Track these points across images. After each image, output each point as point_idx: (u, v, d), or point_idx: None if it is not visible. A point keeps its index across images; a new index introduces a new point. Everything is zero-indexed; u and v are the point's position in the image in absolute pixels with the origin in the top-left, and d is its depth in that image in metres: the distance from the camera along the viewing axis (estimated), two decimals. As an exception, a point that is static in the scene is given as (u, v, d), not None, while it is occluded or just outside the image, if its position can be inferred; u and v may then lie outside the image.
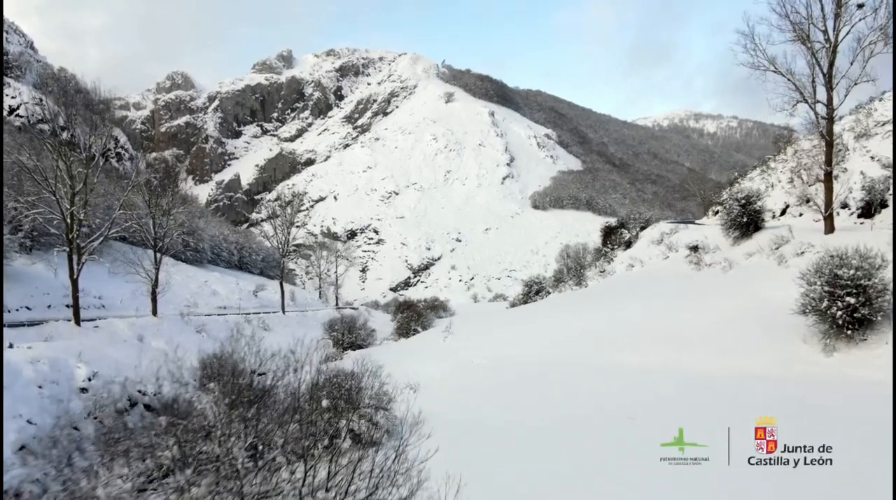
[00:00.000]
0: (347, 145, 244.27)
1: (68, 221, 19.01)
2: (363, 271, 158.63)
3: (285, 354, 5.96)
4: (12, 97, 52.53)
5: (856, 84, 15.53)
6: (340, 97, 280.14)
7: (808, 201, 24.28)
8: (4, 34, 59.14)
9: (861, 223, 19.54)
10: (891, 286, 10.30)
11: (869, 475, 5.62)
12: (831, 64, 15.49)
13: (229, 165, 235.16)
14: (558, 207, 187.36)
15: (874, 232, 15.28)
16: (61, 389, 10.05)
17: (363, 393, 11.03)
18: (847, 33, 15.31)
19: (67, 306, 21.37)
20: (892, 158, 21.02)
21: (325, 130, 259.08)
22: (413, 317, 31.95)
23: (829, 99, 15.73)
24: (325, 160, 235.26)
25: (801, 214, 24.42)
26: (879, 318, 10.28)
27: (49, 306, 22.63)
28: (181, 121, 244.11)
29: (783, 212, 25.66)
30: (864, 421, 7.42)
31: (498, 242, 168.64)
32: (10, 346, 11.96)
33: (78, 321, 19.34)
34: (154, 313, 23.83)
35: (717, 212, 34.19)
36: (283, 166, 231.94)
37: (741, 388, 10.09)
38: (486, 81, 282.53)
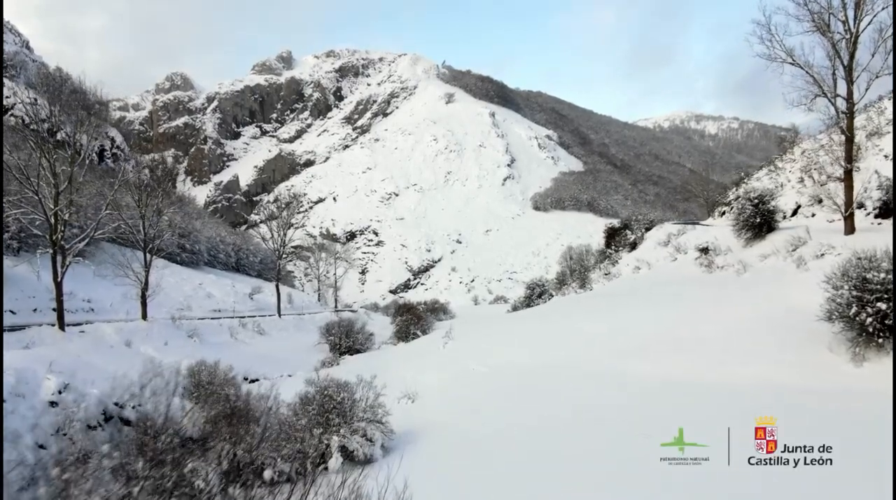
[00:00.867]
0: (347, 146, 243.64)
1: (52, 221, 18.22)
2: (363, 272, 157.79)
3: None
4: (7, 97, 51.79)
5: (877, 77, 14.74)
6: (340, 98, 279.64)
7: (820, 201, 23.54)
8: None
9: (879, 224, 18.71)
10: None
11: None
12: (852, 56, 14.70)
13: (228, 166, 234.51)
14: (559, 208, 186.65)
15: (898, 233, 14.48)
16: (27, 404, 9.23)
17: (357, 406, 10.27)
18: (869, 23, 14.54)
19: (54, 309, 20.55)
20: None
21: (324, 130, 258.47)
22: (412, 320, 31.14)
23: (850, 93, 14.95)
24: (325, 161, 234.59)
25: (813, 215, 23.63)
26: (915, 325, 9.47)
27: (35, 310, 21.81)
28: (180, 122, 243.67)
29: (794, 212, 24.86)
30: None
31: (498, 243, 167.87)
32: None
33: (62, 326, 18.56)
34: (144, 316, 23.03)
35: (723, 213, 33.39)
36: (282, 167, 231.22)
37: (765, 400, 9.24)
38: (486, 82, 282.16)
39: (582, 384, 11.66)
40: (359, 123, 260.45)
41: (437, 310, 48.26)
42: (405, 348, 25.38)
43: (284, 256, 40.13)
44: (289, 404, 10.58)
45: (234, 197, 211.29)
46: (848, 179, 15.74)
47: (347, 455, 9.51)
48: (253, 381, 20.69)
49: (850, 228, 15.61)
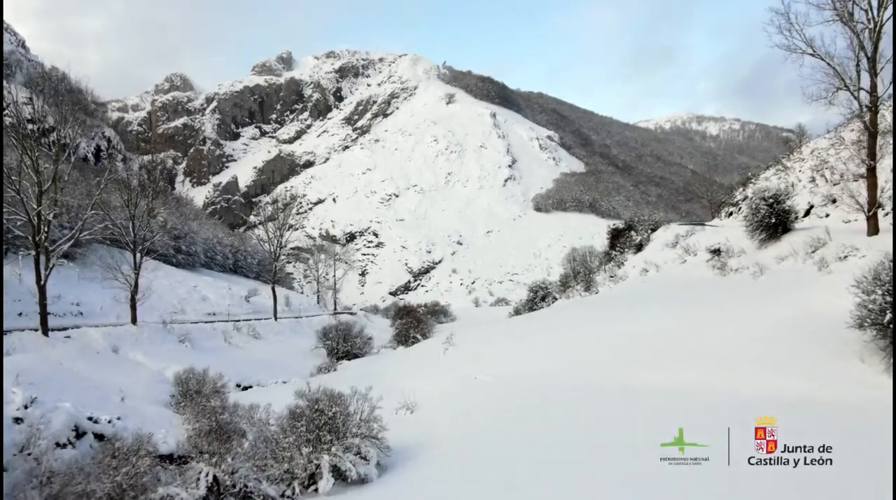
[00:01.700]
0: (347, 147, 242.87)
1: (35, 221, 17.42)
2: (362, 274, 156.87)
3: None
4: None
5: (901, 69, 13.93)
6: (340, 99, 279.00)
7: (834, 201, 22.72)
8: (-5, 32, 57.84)
9: (900, 224, 17.94)
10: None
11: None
12: (875, 46, 13.91)
13: (227, 167, 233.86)
14: (561, 209, 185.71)
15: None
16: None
17: (350, 420, 9.48)
18: (893, 12, 13.74)
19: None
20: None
21: (324, 131, 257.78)
22: (412, 324, 30.36)
23: (873, 85, 14.16)
24: (325, 162, 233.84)
25: (827, 215, 22.83)
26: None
27: (20, 314, 20.97)
28: (178, 122, 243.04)
29: (807, 213, 24.05)
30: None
31: (500, 245, 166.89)
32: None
33: (45, 331, 17.75)
34: (133, 321, 22.22)
35: (730, 214, 32.60)
36: (281, 168, 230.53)
37: (798, 421, 8.36)
38: (487, 83, 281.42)
39: (592, 398, 10.82)
40: (359, 124, 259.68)
41: (437, 312, 47.50)
42: (404, 354, 24.57)
43: (282, 257, 39.31)
44: (278, 416, 9.80)
45: (233, 198, 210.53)
46: (871, 176, 14.94)
47: (340, 475, 8.74)
48: (246, 388, 19.87)
49: (873, 229, 14.78)
